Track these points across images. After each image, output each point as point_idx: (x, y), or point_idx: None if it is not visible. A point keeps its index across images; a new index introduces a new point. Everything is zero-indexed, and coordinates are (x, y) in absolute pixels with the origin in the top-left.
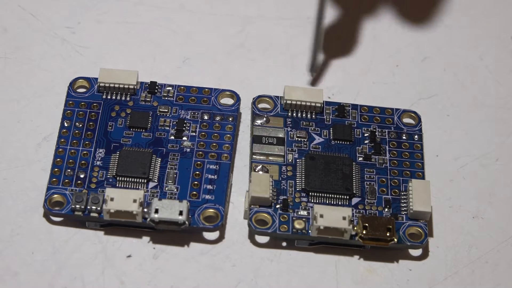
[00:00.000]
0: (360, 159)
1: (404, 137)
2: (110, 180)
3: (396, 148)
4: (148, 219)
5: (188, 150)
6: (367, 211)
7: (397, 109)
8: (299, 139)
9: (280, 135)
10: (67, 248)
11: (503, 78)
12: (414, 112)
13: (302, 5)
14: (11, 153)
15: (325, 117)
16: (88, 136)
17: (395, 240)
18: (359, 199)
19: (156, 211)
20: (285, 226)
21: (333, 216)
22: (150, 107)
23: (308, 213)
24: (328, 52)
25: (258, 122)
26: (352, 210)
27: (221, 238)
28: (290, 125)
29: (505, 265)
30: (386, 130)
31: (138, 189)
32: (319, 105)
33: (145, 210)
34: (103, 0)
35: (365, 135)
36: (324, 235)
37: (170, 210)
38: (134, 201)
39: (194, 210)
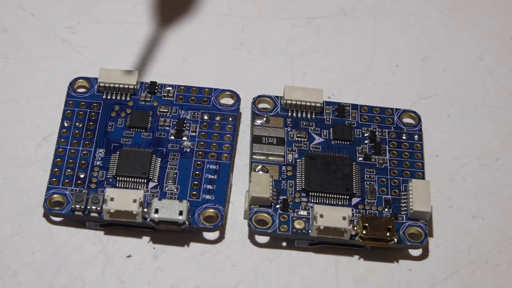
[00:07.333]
0: (360, 159)
1: (404, 137)
2: (110, 180)
3: (396, 148)
4: (148, 219)
5: (188, 150)
6: (367, 211)
7: (397, 109)
8: (299, 139)
9: (280, 135)
10: (67, 248)
11: (503, 78)
12: (414, 112)
13: (302, 5)
14: (11, 153)
15: (325, 117)
16: (88, 136)
17: (395, 240)
18: (359, 199)
19: (156, 211)
20: (285, 226)
21: (333, 216)
22: (150, 107)
23: (308, 213)
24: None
25: (258, 122)
26: (352, 210)
27: (221, 238)
28: (290, 125)
29: (505, 265)
30: (386, 130)
31: (138, 189)
32: (319, 105)
33: (145, 210)
34: (103, 0)
35: (365, 135)
36: (324, 235)
37: (170, 210)
38: (134, 201)
39: (194, 210)
